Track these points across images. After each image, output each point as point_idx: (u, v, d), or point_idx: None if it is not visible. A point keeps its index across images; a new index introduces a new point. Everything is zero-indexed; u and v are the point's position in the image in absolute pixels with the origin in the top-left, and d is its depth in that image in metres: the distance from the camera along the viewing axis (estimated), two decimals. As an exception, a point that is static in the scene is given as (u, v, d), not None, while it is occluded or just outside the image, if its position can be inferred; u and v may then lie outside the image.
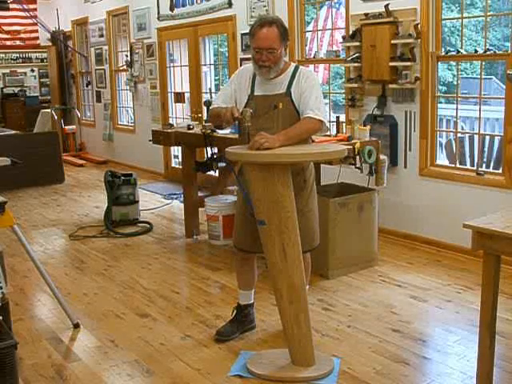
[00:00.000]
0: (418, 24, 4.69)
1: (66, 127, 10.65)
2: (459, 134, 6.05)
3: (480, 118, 4.80)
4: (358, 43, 5.08)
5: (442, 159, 5.46)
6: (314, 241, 3.24)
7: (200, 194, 5.54)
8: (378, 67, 4.91)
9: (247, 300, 3.39)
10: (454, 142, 5.89)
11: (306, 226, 3.10)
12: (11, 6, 9.39)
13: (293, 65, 3.13)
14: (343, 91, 5.74)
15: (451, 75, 11.04)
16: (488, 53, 4.54)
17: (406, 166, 5.06)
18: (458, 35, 10.04)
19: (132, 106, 9.26)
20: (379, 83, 5.05)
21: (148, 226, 5.81)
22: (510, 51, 4.34)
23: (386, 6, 4.80)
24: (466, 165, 5.98)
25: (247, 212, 3.07)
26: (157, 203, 6.86)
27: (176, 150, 8.12)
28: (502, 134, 4.62)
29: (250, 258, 3.30)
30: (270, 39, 2.92)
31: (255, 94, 3.08)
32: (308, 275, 3.36)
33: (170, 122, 7.53)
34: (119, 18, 9.25)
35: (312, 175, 3.20)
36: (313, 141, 3.31)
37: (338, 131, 4.79)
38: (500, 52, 4.62)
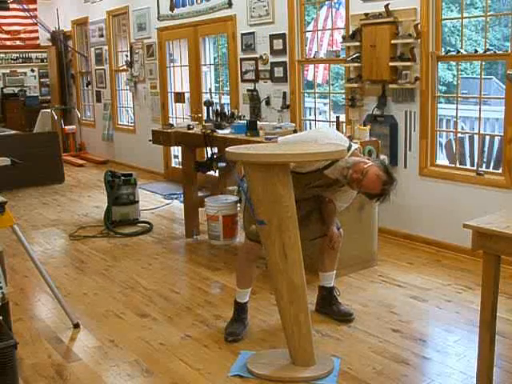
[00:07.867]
0: (418, 24, 4.69)
1: (66, 127, 10.65)
2: (459, 134, 6.05)
3: (480, 118, 4.79)
4: (357, 43, 5.08)
5: (442, 159, 5.45)
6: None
7: (200, 193, 5.54)
8: (378, 67, 4.91)
9: (245, 299, 3.40)
10: (454, 142, 5.88)
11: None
12: (11, 5, 9.40)
13: None
14: (343, 91, 5.74)
15: (451, 75, 11.05)
16: (488, 53, 4.55)
17: (405, 166, 5.06)
18: (458, 35, 10.05)
19: (132, 106, 9.26)
20: (379, 83, 5.05)
21: (148, 226, 5.81)
22: (510, 51, 4.33)
23: (386, 6, 4.80)
24: (466, 165, 5.97)
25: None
26: (157, 203, 6.86)
27: (176, 150, 8.12)
28: (502, 134, 4.62)
29: (255, 248, 3.26)
30: None
31: None
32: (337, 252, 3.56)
33: (170, 122, 7.52)
34: (119, 18, 9.25)
35: None
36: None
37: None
38: (500, 52, 4.62)
